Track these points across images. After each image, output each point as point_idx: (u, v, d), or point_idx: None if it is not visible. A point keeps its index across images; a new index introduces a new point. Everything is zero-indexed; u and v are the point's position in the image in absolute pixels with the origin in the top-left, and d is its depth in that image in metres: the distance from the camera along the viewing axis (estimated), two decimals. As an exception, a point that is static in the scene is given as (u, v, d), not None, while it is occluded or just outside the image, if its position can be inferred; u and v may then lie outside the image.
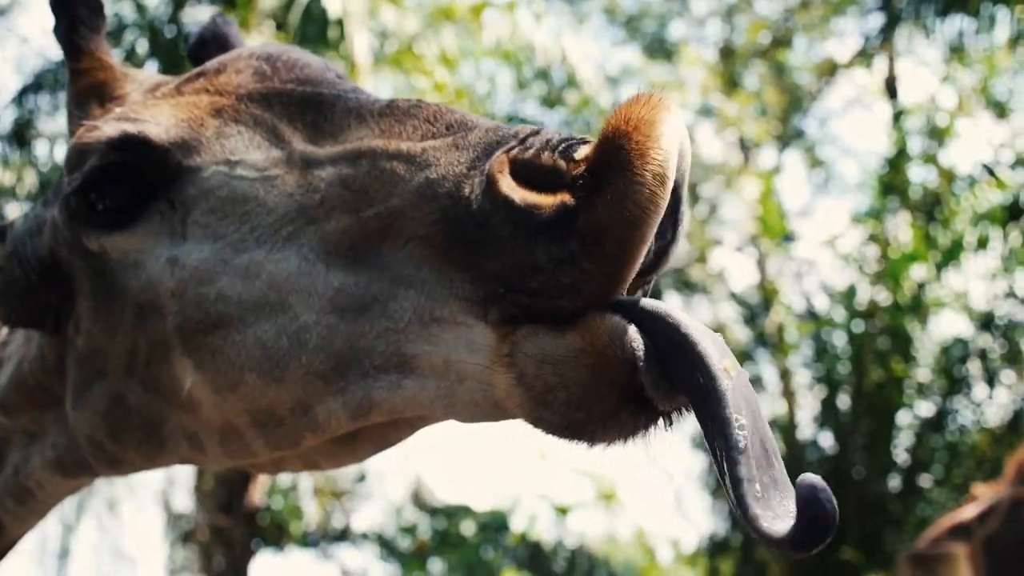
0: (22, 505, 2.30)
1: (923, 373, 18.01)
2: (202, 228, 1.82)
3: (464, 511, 25.99)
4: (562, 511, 26.46)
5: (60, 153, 15.84)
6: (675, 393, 1.45)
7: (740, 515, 1.40)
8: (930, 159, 19.20)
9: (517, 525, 26.66)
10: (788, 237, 21.54)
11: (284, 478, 23.94)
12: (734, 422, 1.40)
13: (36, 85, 17.33)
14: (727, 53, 28.85)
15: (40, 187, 15.55)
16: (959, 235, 17.02)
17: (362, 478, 24.59)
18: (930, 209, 18.07)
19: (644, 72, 28.58)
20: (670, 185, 1.42)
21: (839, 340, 18.99)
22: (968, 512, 7.55)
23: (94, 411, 1.99)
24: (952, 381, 17.66)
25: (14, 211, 15.54)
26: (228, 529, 17.96)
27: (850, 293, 18.87)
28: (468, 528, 26.13)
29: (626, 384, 1.44)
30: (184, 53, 2.48)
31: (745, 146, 27.24)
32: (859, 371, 18.12)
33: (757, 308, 21.13)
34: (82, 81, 2.23)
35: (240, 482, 18.71)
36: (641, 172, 1.41)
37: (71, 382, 2.04)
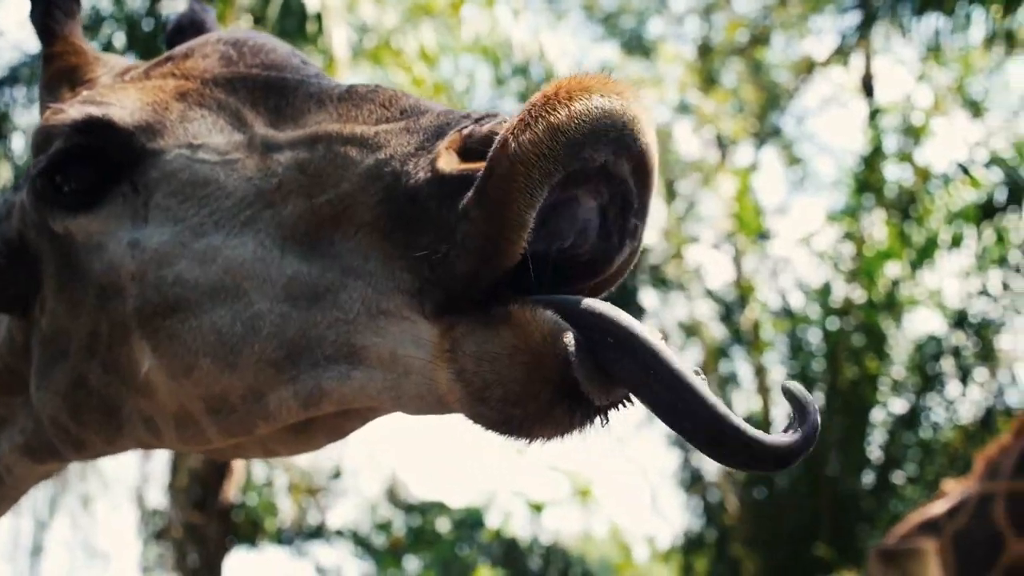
0: None
1: (897, 370, 18.11)
2: (163, 211, 1.83)
3: (439, 508, 25.98)
4: (537, 508, 26.47)
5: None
6: (612, 386, 1.46)
7: (733, 436, 1.39)
8: (905, 157, 19.30)
9: (492, 522, 26.65)
10: (764, 235, 21.60)
11: (259, 474, 23.89)
12: (686, 368, 1.40)
13: (12, 78, 17.22)
14: (705, 50, 28.92)
15: (15, 180, 15.46)
16: (933, 233, 17.12)
17: (337, 475, 24.54)
18: (905, 207, 18.16)
19: (622, 69, 28.62)
20: (563, 140, 1.41)
21: (814, 337, 19.09)
22: (937, 508, 7.62)
23: (56, 392, 1.99)
24: (926, 379, 17.76)
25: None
26: (202, 526, 17.91)
27: (825, 291, 18.96)
28: (443, 525, 26.12)
29: (560, 380, 1.45)
30: (162, 46, 2.49)
31: (722, 143, 27.33)
32: (834, 368, 18.20)
33: (733, 305, 21.19)
34: (54, 65, 2.25)
35: (215, 479, 18.65)
36: (533, 123, 1.41)
37: (35, 363, 2.04)
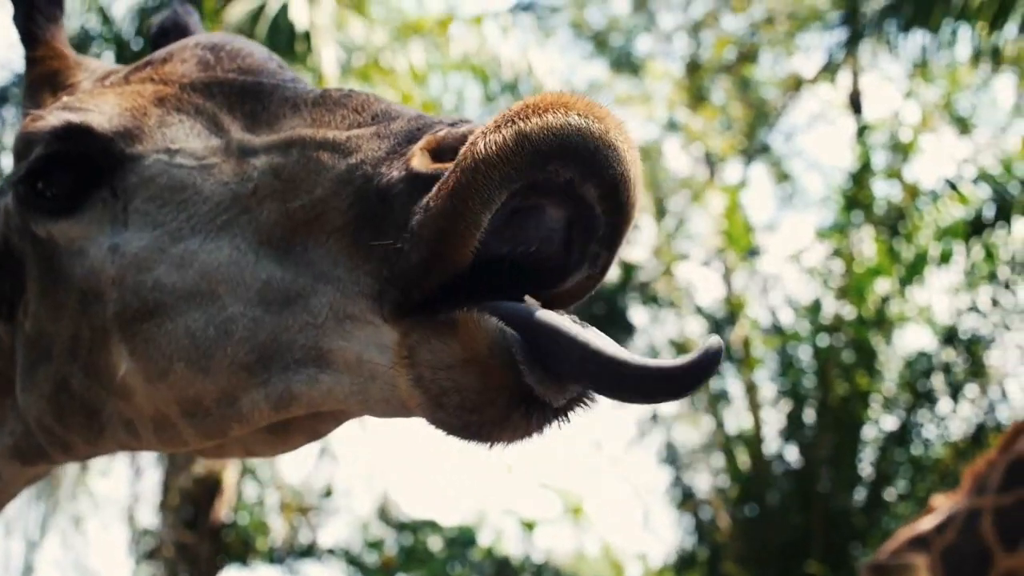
0: None
1: (888, 387, 18.10)
2: (143, 216, 1.85)
3: (431, 526, 25.89)
4: (529, 526, 26.41)
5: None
6: (564, 386, 1.48)
7: (625, 373, 1.42)
8: (894, 174, 19.35)
9: (484, 540, 26.58)
10: (753, 251, 21.62)
11: (250, 493, 23.82)
12: (578, 335, 1.43)
13: (2, 98, 17.21)
14: (693, 68, 29.00)
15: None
16: (923, 250, 17.14)
17: (328, 494, 24.47)
18: (894, 224, 18.19)
19: (611, 86, 28.71)
20: (528, 148, 1.42)
21: (804, 354, 19.07)
22: (926, 523, 7.61)
23: (40, 395, 2.02)
24: (916, 395, 17.76)
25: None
26: (193, 545, 17.87)
27: (815, 307, 18.96)
28: (435, 543, 26.02)
29: (514, 387, 1.47)
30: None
31: (711, 160, 27.40)
32: (824, 385, 18.19)
33: (723, 322, 21.17)
34: (36, 70, 2.28)
35: (205, 498, 18.59)
36: (504, 127, 1.43)
37: (20, 365, 2.07)
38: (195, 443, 1.90)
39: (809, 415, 18.69)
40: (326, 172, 1.64)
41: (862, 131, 19.75)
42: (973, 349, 17.47)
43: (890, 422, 18.28)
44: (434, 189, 1.47)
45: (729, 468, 19.97)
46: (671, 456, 21.68)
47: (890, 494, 18.16)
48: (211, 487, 18.87)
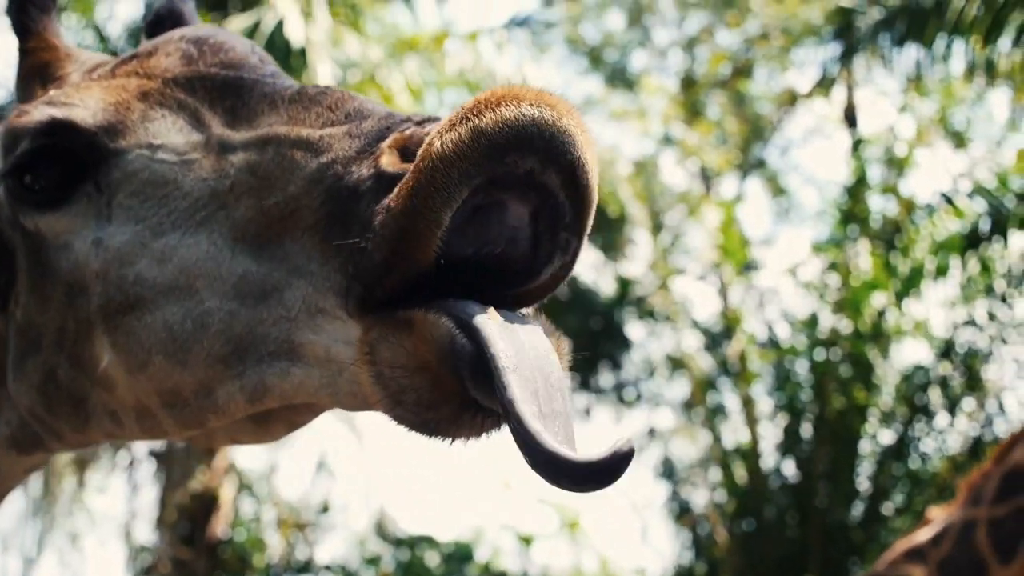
0: None
1: (885, 401, 18.08)
2: (125, 210, 1.88)
3: (428, 542, 25.83)
4: (526, 541, 26.35)
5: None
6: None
7: (519, 434, 1.40)
8: (889, 188, 19.36)
9: (481, 556, 26.52)
10: (749, 266, 21.63)
11: (247, 509, 23.76)
12: (500, 355, 1.42)
13: (3, 117, 17.21)
14: (688, 83, 29.07)
15: None
16: (919, 263, 17.14)
17: (325, 510, 24.43)
18: (890, 237, 18.20)
19: (606, 101, 28.76)
20: (485, 143, 1.44)
21: (801, 368, 19.05)
22: (922, 535, 7.60)
23: (31, 385, 2.05)
24: (913, 409, 17.74)
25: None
26: (190, 562, 17.85)
27: (812, 321, 18.95)
28: (432, 559, 25.96)
29: (462, 394, 1.50)
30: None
31: (706, 175, 27.44)
32: (821, 399, 18.17)
33: (719, 336, 21.18)
34: (28, 61, 2.31)
35: (202, 514, 18.57)
36: (458, 125, 1.45)
37: (11, 354, 2.11)
38: (175, 433, 1.93)
39: (806, 429, 18.66)
40: (299, 171, 1.67)
41: (857, 145, 19.77)
42: (970, 363, 17.46)
43: (887, 436, 18.25)
44: (396, 188, 1.49)
45: (726, 482, 19.93)
46: (668, 470, 21.65)
47: (888, 508, 18.12)
48: (208, 503, 18.85)
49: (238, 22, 14.29)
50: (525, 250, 1.55)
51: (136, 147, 1.90)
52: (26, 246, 2.02)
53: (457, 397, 1.50)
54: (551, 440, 1.38)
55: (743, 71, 28.55)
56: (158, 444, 20.95)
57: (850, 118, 25.82)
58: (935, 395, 17.69)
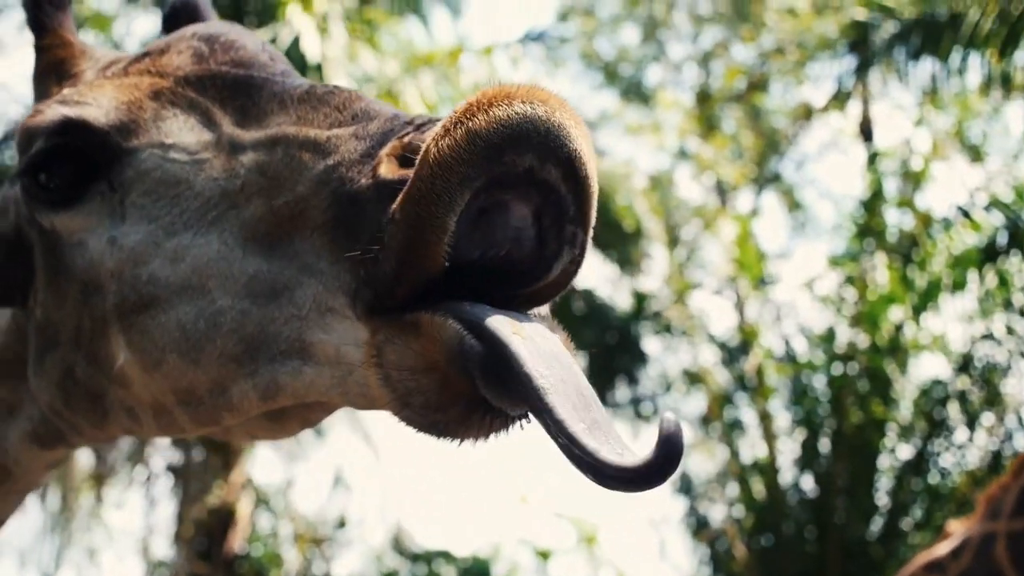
0: (1, 485, 2.35)
1: (903, 415, 18.01)
2: (139, 209, 1.89)
3: (445, 557, 25.82)
4: (543, 556, 26.31)
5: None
6: (517, 401, 1.48)
7: (575, 454, 1.39)
8: (906, 202, 19.32)
9: (498, 571, 26.49)
10: (766, 280, 21.59)
11: (264, 524, 23.78)
12: (533, 374, 1.42)
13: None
14: (703, 97, 29.06)
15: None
16: (936, 277, 17.08)
17: (342, 524, 24.42)
18: (907, 251, 18.15)
19: (621, 116, 28.78)
20: (481, 144, 1.44)
21: (819, 383, 18.99)
22: (942, 549, 7.58)
23: (50, 381, 2.07)
24: (932, 423, 17.66)
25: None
26: (207, 577, 17.85)
27: (829, 336, 18.90)
28: (449, 574, 25.95)
29: (471, 395, 1.50)
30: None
31: (722, 189, 27.42)
32: (839, 414, 18.11)
33: (736, 351, 21.13)
34: (44, 59, 2.32)
35: (220, 529, 18.60)
36: (452, 129, 1.46)
37: (31, 350, 2.12)
38: (191, 429, 1.94)
39: (824, 444, 18.60)
40: (307, 172, 1.68)
41: (873, 158, 19.74)
42: (988, 377, 17.37)
43: (906, 451, 18.17)
44: (399, 198, 1.50)
45: (744, 498, 19.87)
46: (686, 486, 21.58)
47: (907, 523, 18.03)
48: (225, 518, 18.88)
49: (254, 38, 14.33)
50: (531, 249, 1.55)
51: (148, 146, 1.92)
52: (43, 244, 2.04)
53: (466, 398, 1.51)
54: (610, 454, 1.38)
55: (758, 85, 28.54)
56: (175, 459, 21.00)
57: (866, 132, 25.79)
58: (954, 409, 17.61)
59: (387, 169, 1.56)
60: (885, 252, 18.49)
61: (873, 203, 18.51)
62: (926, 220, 18.16)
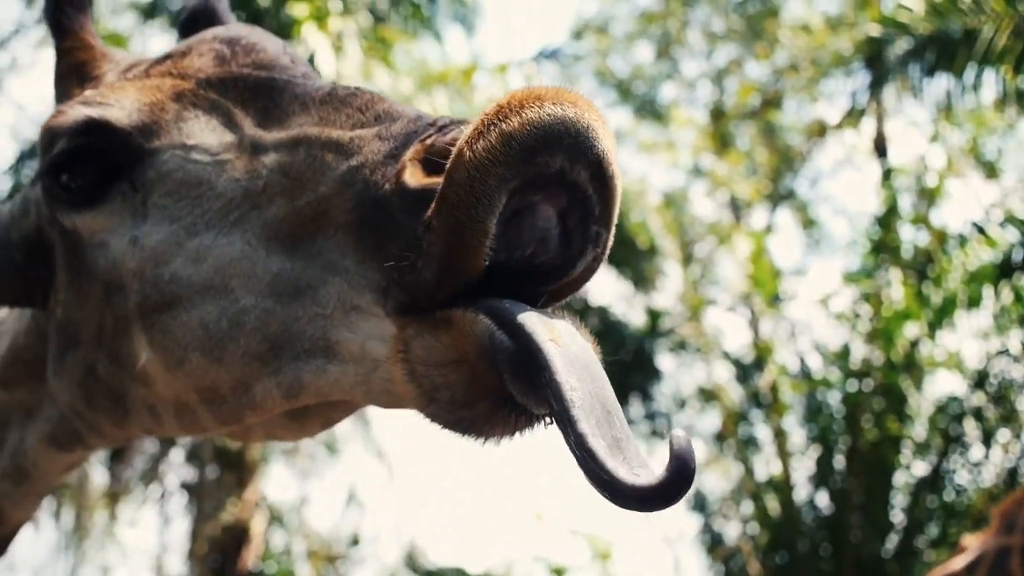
0: (18, 487, 2.37)
1: (918, 432, 17.95)
2: (160, 210, 1.90)
3: (458, 574, 25.76)
4: (558, 573, 26.22)
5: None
6: (543, 400, 1.48)
7: (590, 470, 1.40)
8: (920, 219, 19.29)
9: (513, 588, 26.41)
10: (780, 297, 21.56)
11: (277, 542, 23.78)
12: (564, 384, 1.42)
13: (32, 152, 17.39)
14: (718, 114, 29.07)
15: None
16: (951, 293, 17.04)
17: (356, 542, 24.40)
18: (922, 268, 18.12)
19: (635, 133, 28.80)
20: (516, 146, 1.44)
21: (833, 400, 18.96)
22: (957, 563, 7.57)
23: (71, 380, 2.07)
24: (948, 440, 17.60)
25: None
26: (221, 594, 17.84)
27: (843, 352, 18.87)
28: (463, 592, 25.89)
29: (498, 390, 1.51)
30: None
31: (736, 206, 27.39)
32: (854, 431, 18.08)
33: (750, 368, 21.10)
34: (64, 61, 2.32)
35: (233, 547, 18.61)
36: (486, 132, 1.46)
37: (51, 349, 2.13)
38: (213, 428, 1.96)
39: (839, 461, 18.56)
40: (330, 172, 1.69)
41: (888, 175, 19.73)
42: (1004, 393, 17.33)
43: (921, 468, 18.13)
44: (434, 204, 1.50)
45: (759, 515, 19.82)
46: (700, 503, 21.53)
47: (922, 541, 17.98)
48: (239, 536, 18.89)
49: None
50: (555, 249, 1.55)
51: (170, 147, 1.93)
52: (64, 244, 2.05)
53: (493, 393, 1.51)
54: (626, 473, 1.39)
55: (772, 102, 28.56)
56: (189, 476, 21.03)
57: (880, 148, 25.77)
58: (969, 426, 17.57)
59: (412, 173, 1.57)
60: (900, 269, 18.47)
61: (888, 220, 18.51)
62: (941, 236, 18.14)
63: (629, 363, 23.15)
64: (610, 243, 1.62)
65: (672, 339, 23.42)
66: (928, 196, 19.88)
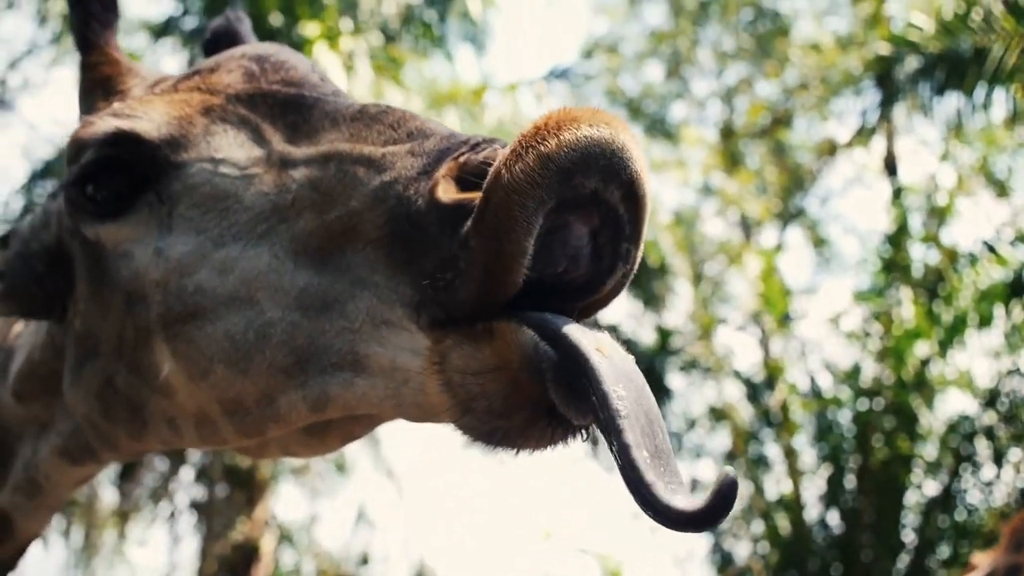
0: (31, 500, 2.39)
1: (929, 451, 17.89)
2: (186, 221, 1.91)
3: (468, 594, 25.71)
4: (567, 593, 26.16)
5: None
6: (585, 410, 1.49)
7: (632, 481, 1.41)
8: (931, 237, 19.26)
9: (522, 608, 26.35)
10: (790, 315, 21.53)
11: (287, 561, 23.75)
12: (612, 393, 1.44)
13: (45, 171, 17.47)
14: (728, 133, 29.11)
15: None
16: (962, 312, 17.00)
17: (365, 561, 24.36)
18: (932, 286, 18.09)
19: (646, 152, 28.82)
20: (554, 168, 1.46)
21: (844, 419, 18.90)
22: (967, 582, 7.54)
23: (88, 391, 2.07)
24: (959, 459, 17.53)
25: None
26: (230, 613, 17.82)
27: (854, 371, 18.82)
28: (472, 611, 25.84)
29: (539, 399, 1.52)
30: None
31: (747, 224, 27.40)
32: (865, 450, 18.01)
33: (761, 387, 21.05)
34: (90, 75, 2.34)
35: (243, 565, 18.58)
36: (524, 153, 1.47)
37: (68, 361, 2.13)
38: (234, 441, 1.95)
39: (850, 481, 18.48)
40: (362, 187, 1.70)
41: (898, 194, 19.71)
42: (1016, 412, 17.26)
43: (932, 487, 18.05)
44: (471, 224, 1.51)
45: (769, 534, 19.74)
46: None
47: (934, 561, 17.87)
48: (248, 555, 18.87)
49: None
50: (586, 266, 1.56)
51: (198, 160, 1.94)
52: (85, 255, 2.06)
53: (532, 402, 1.52)
54: (665, 491, 1.41)
55: (783, 121, 28.59)
56: (199, 495, 21.02)
57: (890, 167, 25.76)
58: (981, 445, 17.49)
59: (444, 190, 1.58)
60: (911, 287, 18.44)
61: (898, 238, 18.49)
62: (952, 255, 18.10)
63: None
64: (639, 260, 1.63)
65: (682, 358, 23.38)
66: (938, 215, 19.86)
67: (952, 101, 15.08)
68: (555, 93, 19.50)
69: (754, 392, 21.18)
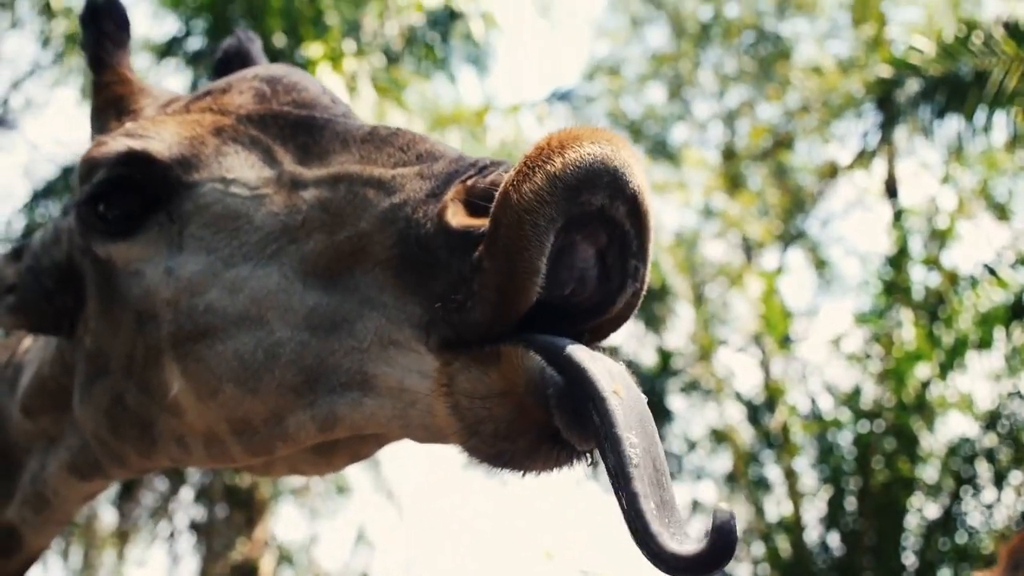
0: (39, 514, 2.39)
1: (930, 474, 17.86)
2: (197, 241, 1.92)
3: (468, 615, 25.63)
4: (568, 613, 26.07)
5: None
6: (588, 436, 1.50)
7: (637, 531, 1.42)
8: (931, 260, 19.27)
9: (522, 629, 26.26)
10: (791, 337, 21.51)
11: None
12: (624, 439, 1.44)
13: (47, 191, 17.50)
14: (729, 155, 29.16)
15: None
16: (963, 335, 16.99)
17: (365, 579, 24.31)
18: (933, 309, 18.08)
19: (647, 174, 28.86)
20: (561, 186, 1.47)
21: (844, 441, 18.87)
22: (966, 601, 7.55)
23: (97, 408, 2.09)
24: (960, 482, 17.50)
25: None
26: (230, 633, 17.77)
27: (855, 393, 18.79)
28: (473, 632, 25.75)
29: (544, 424, 1.52)
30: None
31: (748, 246, 27.41)
32: (865, 472, 17.98)
33: (761, 409, 21.02)
34: (102, 94, 2.36)
35: (246, 578, 18.52)
36: (531, 173, 1.48)
37: (78, 378, 2.14)
38: (242, 460, 1.96)
39: (850, 503, 18.44)
40: (372, 208, 1.71)
41: (899, 216, 19.73)
42: (1017, 435, 17.23)
43: (933, 510, 18.01)
44: (483, 246, 1.52)
45: (770, 556, 19.69)
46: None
47: (935, 584, 17.83)
48: (248, 574, 18.81)
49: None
50: (594, 287, 1.58)
51: (209, 180, 1.95)
52: (96, 273, 2.07)
53: (538, 427, 1.53)
54: (669, 539, 1.41)
55: (784, 143, 28.65)
56: (199, 515, 20.99)
57: (891, 190, 25.81)
58: (982, 468, 17.45)
59: (452, 214, 1.59)
60: (911, 310, 18.44)
61: (899, 261, 18.50)
62: (952, 278, 18.11)
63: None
64: (647, 279, 1.64)
65: (683, 379, 23.38)
66: (939, 237, 19.86)
67: (953, 124, 15.12)
68: (557, 115, 19.56)
69: (755, 414, 21.15)
